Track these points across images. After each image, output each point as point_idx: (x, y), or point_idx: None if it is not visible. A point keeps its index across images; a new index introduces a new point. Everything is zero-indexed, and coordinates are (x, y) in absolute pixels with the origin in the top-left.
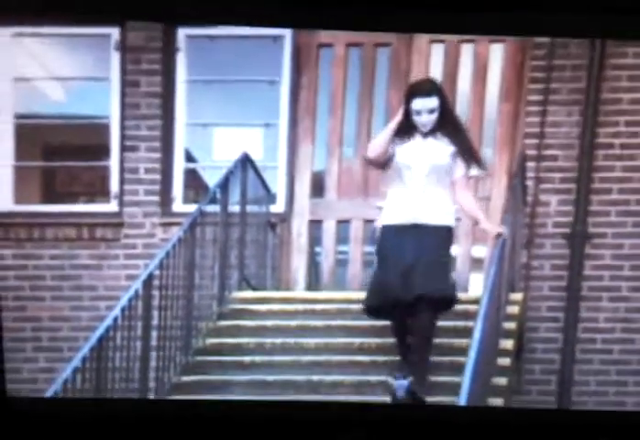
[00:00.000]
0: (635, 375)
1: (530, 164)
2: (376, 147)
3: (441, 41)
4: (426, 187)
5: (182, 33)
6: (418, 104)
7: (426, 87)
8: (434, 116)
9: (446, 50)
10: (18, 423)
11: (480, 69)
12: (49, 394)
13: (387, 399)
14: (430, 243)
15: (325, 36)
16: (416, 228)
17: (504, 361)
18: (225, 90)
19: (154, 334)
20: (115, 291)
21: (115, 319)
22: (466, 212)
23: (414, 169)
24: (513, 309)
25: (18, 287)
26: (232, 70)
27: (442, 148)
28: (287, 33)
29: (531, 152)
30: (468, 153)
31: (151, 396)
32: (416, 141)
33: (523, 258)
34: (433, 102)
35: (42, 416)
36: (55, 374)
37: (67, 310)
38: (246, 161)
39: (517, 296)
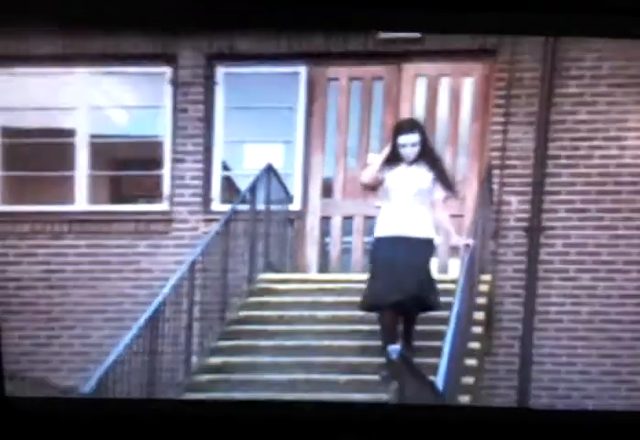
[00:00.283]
0: (583, 340)
1: (495, 171)
2: (369, 174)
3: (424, 75)
4: (411, 206)
5: (221, 71)
6: (403, 139)
7: (409, 125)
8: (416, 149)
9: (428, 81)
10: (17, 422)
11: (454, 96)
12: (113, 356)
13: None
14: (415, 252)
15: (332, 71)
16: (404, 240)
17: (477, 329)
18: (253, 114)
19: (197, 307)
20: (167, 274)
21: (167, 295)
22: (442, 227)
23: (401, 191)
24: (484, 287)
25: (91, 270)
26: (259, 99)
27: (423, 175)
28: (302, 70)
29: (496, 162)
30: (443, 180)
31: (194, 359)
32: (402, 169)
33: (491, 246)
34: (415, 137)
35: (41, 416)
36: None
37: (129, 288)
38: (270, 170)
39: (487, 277)
